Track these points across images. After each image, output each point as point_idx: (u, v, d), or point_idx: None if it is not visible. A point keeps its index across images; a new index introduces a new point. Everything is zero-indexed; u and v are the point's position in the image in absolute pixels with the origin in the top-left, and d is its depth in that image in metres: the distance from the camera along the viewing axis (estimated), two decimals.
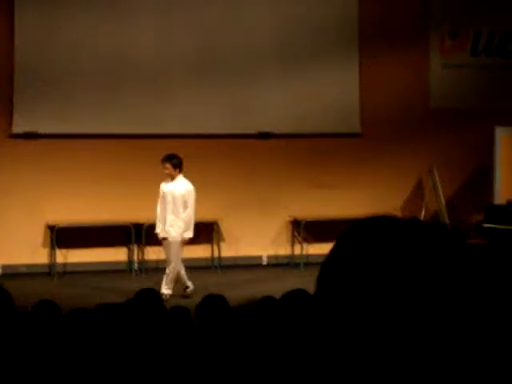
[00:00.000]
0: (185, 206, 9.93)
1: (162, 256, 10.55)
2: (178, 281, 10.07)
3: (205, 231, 12.56)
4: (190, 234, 10.02)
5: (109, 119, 12.17)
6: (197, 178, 12.42)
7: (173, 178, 9.92)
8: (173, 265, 9.92)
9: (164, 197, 9.94)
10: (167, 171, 9.90)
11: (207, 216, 12.33)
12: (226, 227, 12.66)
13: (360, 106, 13.12)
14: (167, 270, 9.99)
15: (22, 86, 11.89)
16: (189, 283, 10.12)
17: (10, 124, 11.90)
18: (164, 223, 9.93)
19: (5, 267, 11.80)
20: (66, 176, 12.04)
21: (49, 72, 11.97)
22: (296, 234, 12.98)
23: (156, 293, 5.59)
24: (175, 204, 9.90)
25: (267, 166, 12.73)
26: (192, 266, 12.14)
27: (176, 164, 9.90)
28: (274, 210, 12.78)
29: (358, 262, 1.09)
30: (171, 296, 9.79)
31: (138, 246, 12.16)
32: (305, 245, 12.89)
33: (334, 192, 13.02)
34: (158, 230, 10.03)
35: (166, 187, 9.95)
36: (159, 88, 12.35)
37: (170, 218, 9.90)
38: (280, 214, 12.82)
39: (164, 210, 9.94)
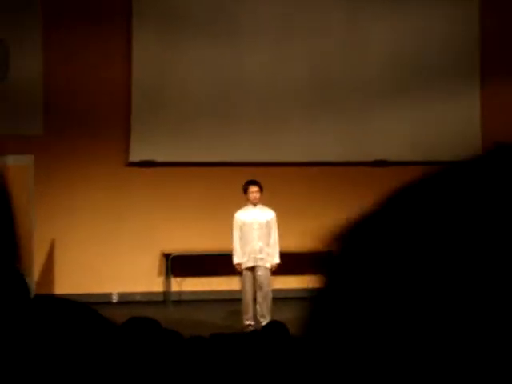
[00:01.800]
0: (269, 232, 9.68)
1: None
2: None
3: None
4: (278, 260, 9.75)
5: (223, 147, 12.18)
6: (310, 206, 12.29)
7: (256, 203, 9.59)
8: (268, 289, 9.66)
9: (245, 225, 9.60)
10: (257, 195, 9.53)
11: (319, 246, 12.15)
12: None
13: (481, 133, 12.70)
14: (259, 298, 9.70)
15: (139, 115, 12.06)
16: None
17: (128, 153, 12.06)
18: (251, 252, 9.62)
19: (121, 295, 11.89)
20: (182, 204, 12.10)
21: (165, 101, 12.11)
22: None
23: (283, 325, 5.37)
24: (262, 231, 9.62)
25: (383, 195, 12.43)
26: (292, 297, 11.98)
27: (261, 188, 9.63)
28: None
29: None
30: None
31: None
32: None
33: None
34: (239, 259, 9.61)
35: (247, 216, 9.61)
36: (273, 116, 12.30)
37: (258, 245, 9.59)
38: None
39: (247, 239, 9.62)
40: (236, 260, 9.66)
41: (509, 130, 12.82)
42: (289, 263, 10.68)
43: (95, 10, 11.98)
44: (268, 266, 9.61)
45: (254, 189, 9.57)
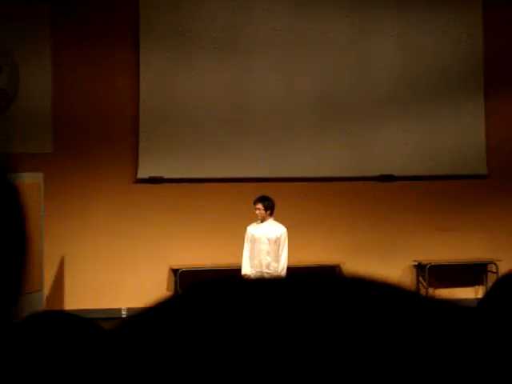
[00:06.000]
0: (278, 248, 9.81)
1: None
2: None
3: None
4: (283, 276, 9.81)
5: (233, 163, 12.27)
6: (319, 221, 12.37)
7: (262, 220, 9.80)
8: None
9: (255, 240, 9.78)
10: (258, 212, 9.77)
11: (329, 259, 12.21)
12: (348, 271, 12.48)
13: (486, 147, 12.78)
14: None
15: (147, 131, 12.16)
16: None
17: (136, 169, 12.16)
18: (258, 266, 9.73)
19: (130, 310, 11.96)
20: (190, 219, 12.18)
21: (173, 117, 12.21)
22: (421, 278, 12.68)
23: None
24: (271, 246, 9.77)
25: (389, 209, 12.53)
26: None
27: (267, 206, 9.77)
28: (397, 254, 12.54)
29: None
30: None
31: None
32: (430, 289, 12.57)
33: (459, 235, 12.68)
34: (246, 271, 9.72)
35: (256, 230, 9.81)
36: (282, 132, 12.39)
37: (266, 259, 9.75)
38: (404, 257, 12.56)
39: (255, 252, 9.77)
40: (243, 271, 9.81)
41: None
42: None
43: (103, 28, 12.12)
44: None
45: (257, 206, 9.80)
